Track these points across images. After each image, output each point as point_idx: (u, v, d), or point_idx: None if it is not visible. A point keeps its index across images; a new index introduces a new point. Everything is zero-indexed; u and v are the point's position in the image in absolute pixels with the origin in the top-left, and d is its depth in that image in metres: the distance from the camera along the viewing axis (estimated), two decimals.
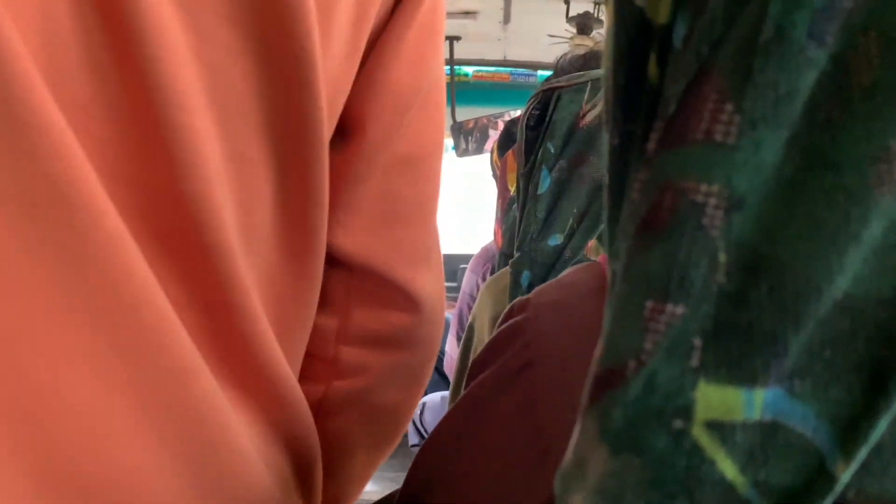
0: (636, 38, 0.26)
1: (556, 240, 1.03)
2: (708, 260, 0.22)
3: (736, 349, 0.21)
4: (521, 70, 3.93)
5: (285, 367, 0.43)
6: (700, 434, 0.21)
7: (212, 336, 0.39)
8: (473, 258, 2.57)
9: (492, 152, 1.68)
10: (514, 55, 3.84)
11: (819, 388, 0.21)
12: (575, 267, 0.41)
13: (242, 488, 0.38)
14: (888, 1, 0.20)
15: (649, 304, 0.22)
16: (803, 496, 0.21)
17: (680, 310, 0.22)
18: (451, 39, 3.61)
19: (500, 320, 0.39)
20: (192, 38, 0.38)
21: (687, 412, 0.21)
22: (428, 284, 0.58)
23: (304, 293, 0.48)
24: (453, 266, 4.35)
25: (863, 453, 0.21)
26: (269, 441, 0.43)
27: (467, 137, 3.71)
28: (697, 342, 0.22)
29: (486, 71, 4.04)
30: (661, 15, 0.25)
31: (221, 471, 0.37)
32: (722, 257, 0.22)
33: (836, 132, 0.21)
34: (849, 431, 0.21)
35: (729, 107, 0.22)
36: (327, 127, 0.46)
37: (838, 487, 0.21)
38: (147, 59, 0.36)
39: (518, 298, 0.40)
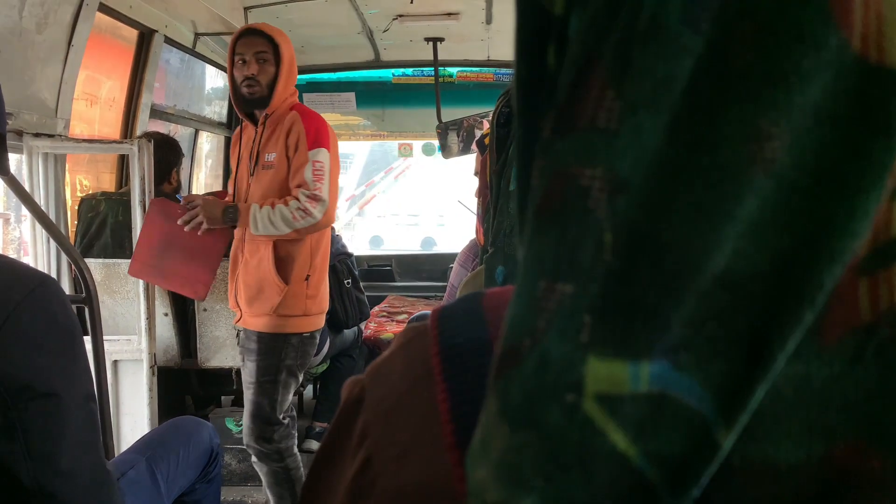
0: (536, 30, 0.27)
1: None
2: (594, 241, 0.23)
3: (621, 325, 0.22)
4: (505, 70, 3.95)
5: None
6: (591, 407, 0.22)
7: None
8: (461, 252, 2.58)
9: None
10: (497, 55, 3.86)
11: (702, 360, 0.22)
12: (405, 336, 0.38)
13: None
14: None
15: (542, 284, 0.23)
16: (691, 463, 0.22)
17: (569, 288, 0.23)
18: (435, 41, 3.63)
19: (340, 407, 0.38)
20: None
21: (578, 386, 0.22)
22: None
23: None
24: (443, 265, 4.37)
25: (743, 420, 0.22)
26: None
27: (453, 138, 3.72)
28: (587, 319, 0.23)
29: (471, 71, 4.05)
30: (558, 6, 0.26)
31: None
32: (608, 238, 0.23)
33: (713, 115, 0.22)
34: (730, 400, 0.22)
35: (610, 94, 0.23)
36: None
37: (722, 454, 0.22)
38: None
39: (351, 383, 0.38)
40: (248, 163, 2.24)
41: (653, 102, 0.22)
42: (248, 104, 2.22)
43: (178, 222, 2.17)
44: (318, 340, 2.36)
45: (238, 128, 2.37)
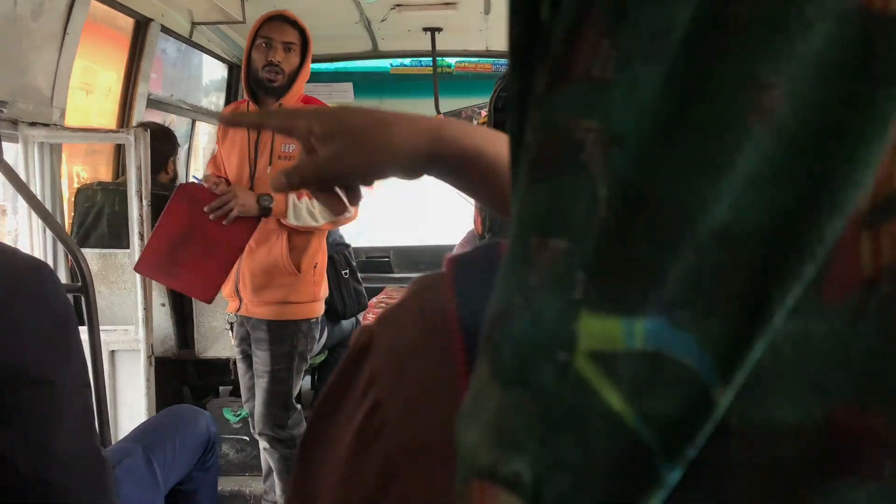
0: None
1: None
2: (588, 195, 0.22)
3: (616, 281, 0.22)
4: (503, 60, 3.93)
5: None
6: (584, 365, 0.22)
7: None
8: (459, 244, 2.58)
9: None
10: (496, 45, 3.84)
11: (699, 316, 0.21)
12: (420, 284, 0.38)
13: None
14: None
15: (535, 240, 0.23)
16: (687, 423, 0.22)
17: (563, 244, 0.22)
18: (433, 31, 3.61)
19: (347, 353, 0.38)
20: None
21: (570, 344, 0.22)
22: None
23: None
24: (442, 257, 4.34)
25: (740, 379, 0.21)
26: None
27: None
28: (580, 276, 0.22)
29: (469, 61, 4.04)
30: None
31: None
32: (602, 192, 0.22)
33: (710, 65, 0.21)
34: (727, 358, 0.21)
35: (605, 43, 0.22)
36: None
37: (718, 413, 0.22)
38: None
39: (359, 331, 0.38)
40: (252, 151, 2.22)
41: (649, 52, 0.21)
42: (263, 90, 2.18)
43: (206, 209, 2.02)
44: (320, 325, 2.38)
45: (228, 108, 2.35)
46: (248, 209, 2.05)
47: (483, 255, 0.36)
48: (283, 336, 2.23)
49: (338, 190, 0.60)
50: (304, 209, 2.11)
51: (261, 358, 2.25)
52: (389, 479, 0.33)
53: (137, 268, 2.09)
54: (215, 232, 2.04)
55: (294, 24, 2.20)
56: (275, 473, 2.36)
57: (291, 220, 2.11)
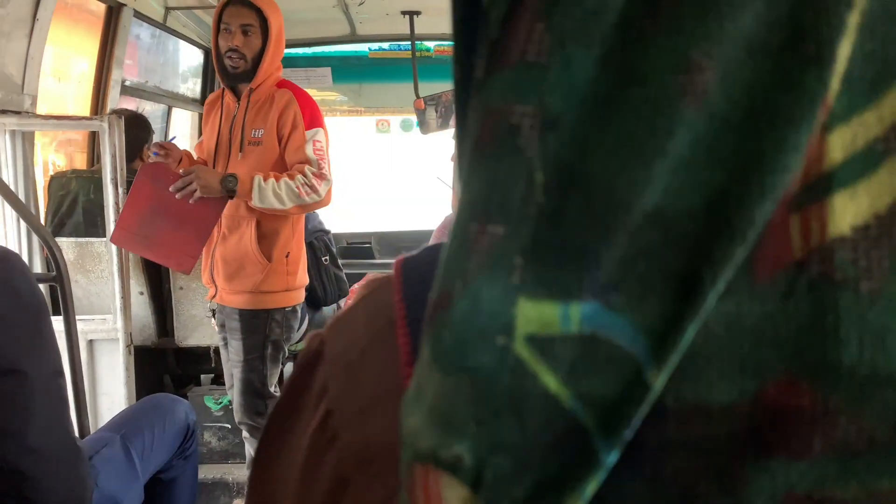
0: None
1: None
2: (525, 180, 0.22)
3: (552, 265, 0.22)
4: None
5: None
6: (522, 349, 0.22)
7: None
8: (437, 228, 2.57)
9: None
10: None
11: (633, 299, 0.21)
12: (368, 287, 0.38)
13: None
14: None
15: (474, 226, 0.23)
16: (622, 405, 0.22)
17: (500, 230, 0.22)
18: (412, 14, 3.58)
19: (298, 361, 0.38)
20: None
21: (508, 328, 0.22)
22: None
23: None
24: (424, 242, 4.34)
25: (674, 360, 0.22)
26: None
27: (431, 113, 3.69)
28: (518, 260, 0.22)
29: (448, 45, 4.01)
30: None
31: None
32: (539, 177, 0.22)
33: (644, 47, 0.21)
34: (661, 340, 0.21)
35: (540, 26, 0.22)
36: None
37: (654, 395, 0.22)
38: None
39: (311, 337, 0.38)
40: (227, 137, 2.20)
41: (583, 34, 0.21)
42: (230, 77, 2.17)
43: (171, 188, 2.06)
44: (300, 313, 2.36)
45: (211, 95, 2.32)
46: (211, 190, 2.06)
47: (429, 255, 0.36)
48: (255, 325, 2.21)
49: None
50: (270, 191, 2.06)
51: (234, 347, 2.25)
52: (342, 489, 0.33)
53: (113, 238, 2.12)
54: (184, 209, 2.07)
55: (251, 5, 2.13)
56: None
57: (256, 203, 2.07)
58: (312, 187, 2.08)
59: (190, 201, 2.06)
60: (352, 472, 0.33)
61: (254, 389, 2.25)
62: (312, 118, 2.14)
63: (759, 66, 0.21)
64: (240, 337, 2.22)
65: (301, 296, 2.34)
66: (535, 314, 0.22)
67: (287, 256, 2.22)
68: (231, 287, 2.20)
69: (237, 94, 2.20)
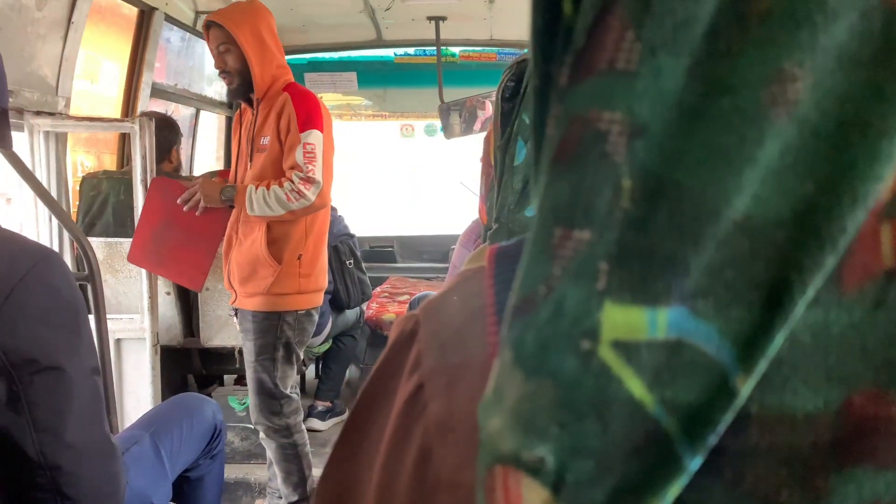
0: None
1: (532, 210, 1.03)
2: (612, 186, 0.22)
3: (639, 271, 0.22)
4: (508, 49, 3.91)
5: None
6: (607, 354, 0.22)
7: None
8: (463, 233, 2.58)
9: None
10: (500, 34, 3.82)
11: (721, 306, 0.22)
12: (462, 276, 0.40)
13: None
14: None
15: (558, 231, 0.23)
16: (708, 411, 0.22)
17: (586, 235, 0.23)
18: (437, 20, 3.60)
19: (392, 338, 0.39)
20: None
21: (593, 333, 0.22)
22: None
23: None
24: (445, 247, 4.36)
25: (761, 368, 0.22)
26: None
27: (455, 118, 3.70)
28: (603, 266, 0.22)
29: (473, 51, 4.02)
30: None
31: None
32: (626, 183, 0.22)
33: (734, 57, 0.21)
34: (749, 348, 0.22)
35: (630, 35, 0.22)
36: None
37: (739, 402, 0.22)
38: None
39: (404, 319, 0.40)
40: (246, 147, 2.23)
41: (673, 44, 0.22)
42: (234, 94, 2.22)
43: (178, 201, 2.18)
44: (316, 318, 2.35)
45: (238, 111, 2.35)
46: (212, 200, 2.18)
47: (519, 247, 0.37)
48: (266, 327, 2.22)
49: None
50: (261, 199, 2.09)
51: (247, 348, 2.26)
52: (426, 460, 0.34)
53: (130, 257, 2.25)
54: (192, 221, 2.20)
55: (217, 25, 2.13)
56: (274, 463, 2.36)
57: (250, 212, 2.11)
58: (300, 193, 2.08)
59: (196, 212, 2.18)
60: (434, 442, 0.34)
61: (266, 390, 2.25)
62: (308, 119, 2.11)
63: (851, 76, 0.21)
64: (251, 338, 2.23)
65: (317, 299, 2.32)
66: (621, 319, 0.22)
67: (299, 258, 2.22)
68: (244, 290, 2.22)
69: (253, 106, 2.23)
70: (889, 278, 0.22)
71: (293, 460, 2.32)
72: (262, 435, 2.32)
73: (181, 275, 2.28)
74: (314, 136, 2.11)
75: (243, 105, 2.28)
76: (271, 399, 2.26)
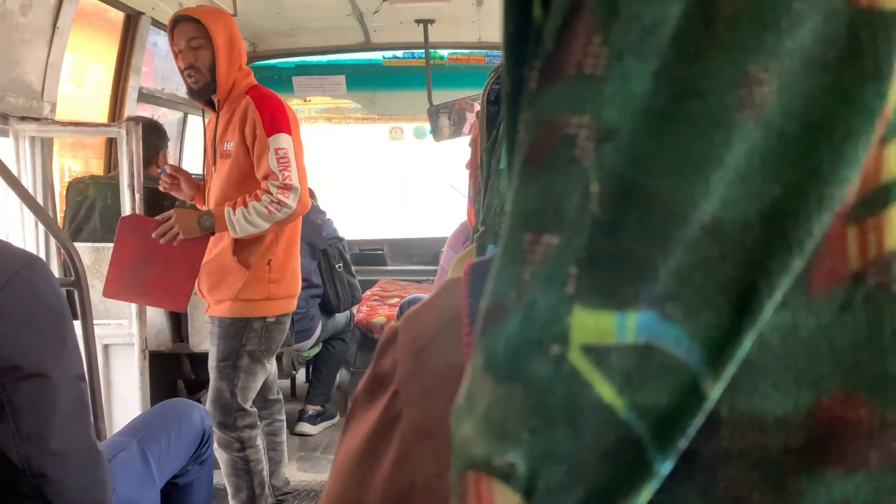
0: None
1: None
2: (581, 190, 0.22)
3: (608, 275, 0.22)
4: (496, 52, 3.92)
5: None
6: (577, 359, 0.22)
7: None
8: (451, 235, 2.58)
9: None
10: (488, 37, 3.83)
11: (689, 310, 0.22)
12: (444, 286, 0.40)
13: None
14: None
15: (527, 236, 0.23)
16: (678, 415, 0.22)
17: (555, 240, 0.22)
18: (426, 23, 3.60)
19: (378, 349, 0.40)
20: None
21: (563, 338, 0.22)
22: None
23: None
24: (435, 249, 4.36)
25: (730, 371, 0.22)
26: None
27: (444, 121, 3.70)
28: (573, 270, 0.22)
29: (462, 53, 4.03)
30: None
31: None
32: (595, 188, 0.22)
33: (701, 61, 0.21)
34: (717, 351, 0.22)
35: (597, 39, 0.22)
36: None
37: (709, 405, 0.22)
38: None
39: (387, 329, 0.40)
40: (210, 152, 2.18)
41: (640, 48, 0.22)
42: (197, 94, 2.14)
43: (154, 235, 2.07)
44: (286, 326, 2.27)
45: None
46: (191, 231, 2.07)
47: None
48: (232, 332, 2.15)
49: None
50: (242, 219, 2.03)
51: (211, 353, 2.20)
52: (402, 463, 0.35)
53: (105, 293, 2.13)
54: (171, 252, 2.09)
55: (191, 19, 2.07)
56: (223, 475, 2.26)
57: (236, 235, 2.06)
58: (280, 202, 2.02)
59: (174, 243, 2.07)
60: (412, 446, 0.35)
61: (222, 400, 2.17)
62: (273, 123, 2.05)
63: (816, 80, 0.21)
64: (216, 342, 2.17)
65: (288, 306, 2.25)
66: (591, 324, 0.22)
67: (269, 263, 2.16)
68: (214, 297, 2.17)
69: (215, 108, 2.18)
70: (856, 281, 0.22)
71: (243, 476, 2.23)
72: (214, 444, 2.20)
73: (162, 301, 2.20)
74: (283, 140, 2.04)
75: (203, 114, 2.23)
76: (226, 410, 2.18)
